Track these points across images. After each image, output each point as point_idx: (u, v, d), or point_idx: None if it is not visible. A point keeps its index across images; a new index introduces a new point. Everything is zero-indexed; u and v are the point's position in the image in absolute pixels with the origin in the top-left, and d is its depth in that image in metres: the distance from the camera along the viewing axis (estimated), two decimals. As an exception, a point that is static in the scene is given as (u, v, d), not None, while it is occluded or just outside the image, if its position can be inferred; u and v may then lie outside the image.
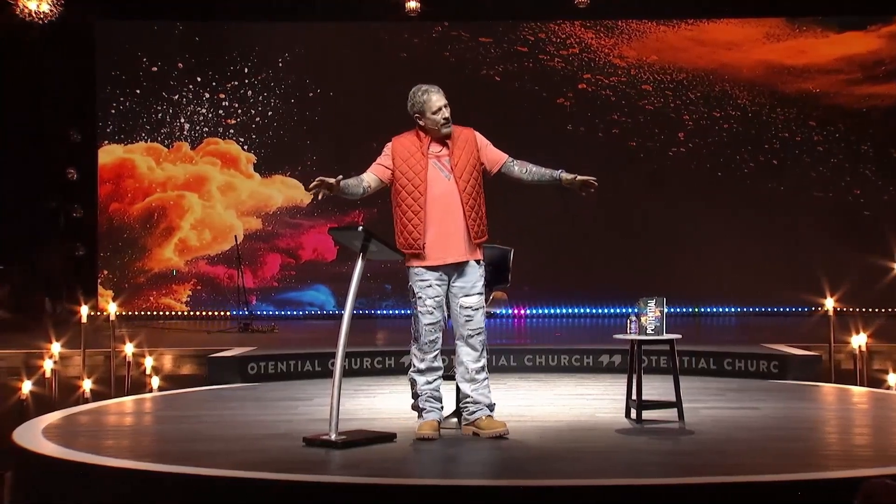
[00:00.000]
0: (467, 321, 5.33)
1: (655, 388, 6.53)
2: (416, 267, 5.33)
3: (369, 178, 5.51)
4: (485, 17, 13.34)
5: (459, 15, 13.29)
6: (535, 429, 5.67)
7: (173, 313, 13.22)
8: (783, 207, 13.18)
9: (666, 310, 5.87)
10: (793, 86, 13.37)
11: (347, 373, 7.94)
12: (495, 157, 5.57)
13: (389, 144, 5.52)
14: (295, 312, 13.25)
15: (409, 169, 5.40)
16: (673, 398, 5.89)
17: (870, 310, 11.35)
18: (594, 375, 8.14)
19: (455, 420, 5.73)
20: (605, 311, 13.02)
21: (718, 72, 13.40)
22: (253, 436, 5.49)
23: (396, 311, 13.06)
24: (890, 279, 8.71)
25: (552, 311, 13.12)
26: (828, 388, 7.48)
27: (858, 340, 8.05)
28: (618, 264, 12.68)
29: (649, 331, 5.86)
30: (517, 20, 13.43)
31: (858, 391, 7.38)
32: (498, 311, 6.07)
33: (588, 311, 13.15)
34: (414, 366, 5.41)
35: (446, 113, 5.40)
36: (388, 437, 5.26)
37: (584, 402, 6.74)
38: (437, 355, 5.41)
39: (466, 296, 5.33)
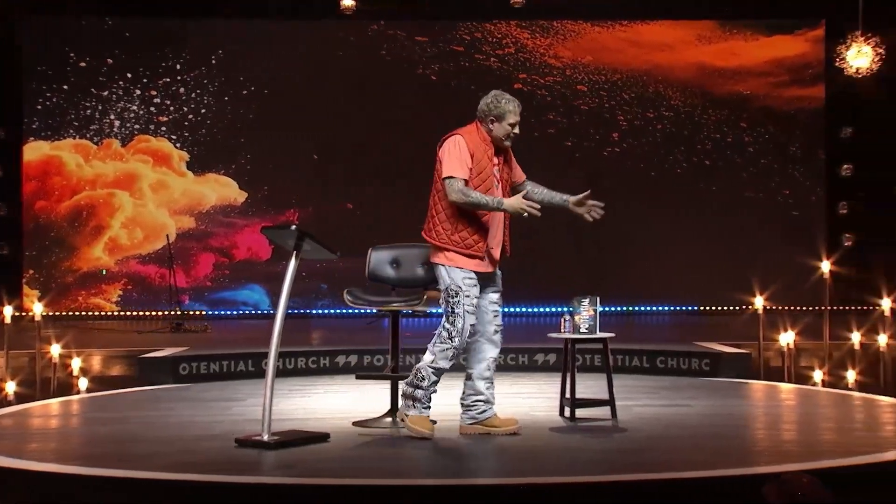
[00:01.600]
0: (495, 316, 5.44)
1: (589, 386, 6.59)
2: (467, 269, 5.28)
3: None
4: (421, 17, 13.32)
5: (395, 14, 13.25)
6: (470, 428, 5.66)
7: (103, 313, 12.96)
8: (715, 207, 13.37)
9: (599, 309, 5.91)
10: (724, 87, 13.58)
11: (282, 373, 7.85)
12: (519, 173, 5.63)
13: (463, 142, 5.32)
14: (229, 312, 13.09)
15: (482, 170, 5.33)
16: (606, 396, 5.94)
17: (798, 308, 11.57)
18: (529, 374, 8.18)
19: (388, 420, 5.71)
20: (541, 310, 13.08)
21: (652, 73, 13.56)
22: (184, 437, 5.40)
23: (332, 311, 12.98)
24: (817, 278, 8.89)
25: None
26: (757, 385, 7.61)
27: (786, 338, 8.21)
28: (553, 263, 12.75)
29: (583, 329, 5.90)
30: (453, 20, 13.44)
31: (786, 388, 7.53)
32: (431, 310, 6.05)
33: (524, 310, 13.20)
34: (436, 363, 5.29)
35: (517, 130, 5.41)
36: (322, 437, 5.22)
37: (520, 400, 6.76)
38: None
39: (494, 292, 5.45)
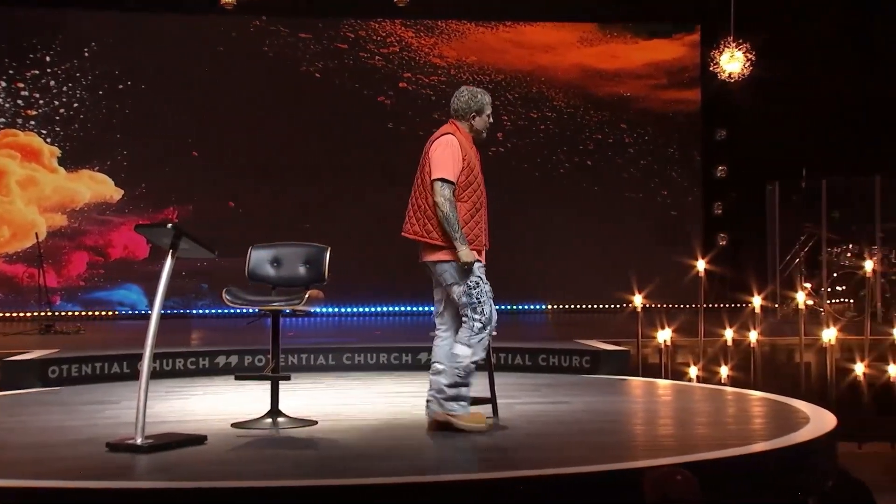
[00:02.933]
0: None
1: (473, 384, 6.59)
2: (476, 261, 5.30)
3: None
4: (303, 14, 13.17)
5: (278, 10, 13.07)
6: (353, 427, 5.63)
7: (-34, 315, 12.39)
8: (597, 207, 13.62)
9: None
10: (605, 89, 13.85)
11: (159, 374, 7.65)
12: None
13: (457, 142, 5.34)
14: (104, 312, 12.68)
15: (475, 166, 5.38)
16: (488, 394, 5.95)
17: (674, 306, 11.87)
18: (413, 373, 8.16)
19: (269, 421, 5.60)
20: (425, 308, 13.09)
21: (535, 73, 13.73)
22: (52, 443, 5.18)
23: (213, 311, 12.71)
24: (692, 276, 9.13)
25: (372, 309, 13.10)
26: (635, 381, 7.75)
27: (663, 335, 8.41)
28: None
29: (465, 327, 5.88)
30: (337, 17, 13.34)
31: (663, 384, 7.70)
32: (313, 309, 5.97)
33: (409, 308, 13.20)
34: (477, 356, 5.32)
35: (492, 119, 5.55)
36: (199, 439, 5.08)
37: (403, 399, 6.74)
38: None
39: None
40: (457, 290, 5.32)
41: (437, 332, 5.51)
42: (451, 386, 5.32)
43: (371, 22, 13.44)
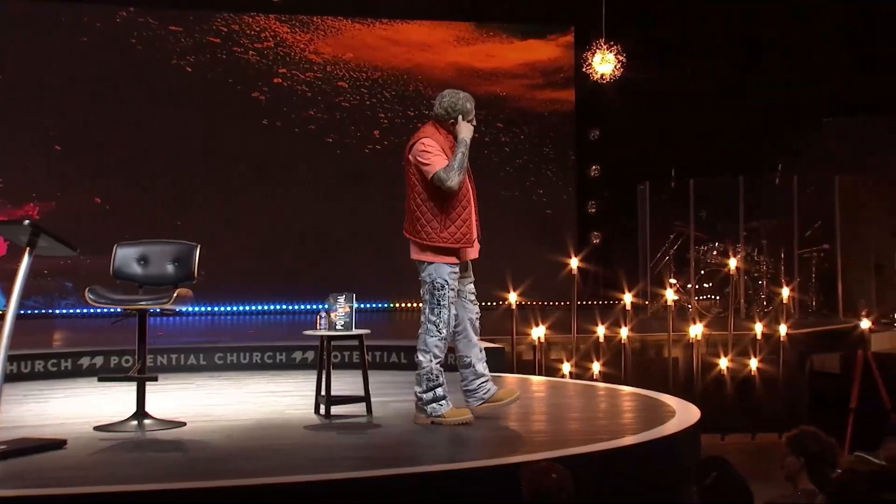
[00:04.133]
0: (474, 304, 5.69)
1: (347, 383, 6.53)
2: (451, 262, 5.49)
3: None
4: (174, 5, 12.83)
5: (146, 0, 12.68)
6: (224, 428, 5.51)
7: None
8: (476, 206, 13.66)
9: (356, 305, 5.88)
10: (481, 88, 13.88)
11: (16, 377, 7.33)
12: None
13: (433, 144, 5.54)
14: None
15: None
16: (362, 393, 5.90)
17: (548, 303, 12.03)
18: (287, 372, 8.05)
19: (134, 423, 5.41)
20: (301, 307, 12.93)
21: (412, 72, 13.71)
22: None
23: (77, 310, 12.23)
24: (566, 274, 9.27)
25: (245, 307, 12.86)
26: (510, 377, 7.81)
27: (537, 332, 8.51)
28: (312, 259, 12.62)
29: (338, 326, 5.84)
30: (209, 10, 13.04)
31: (537, 380, 7.79)
32: (182, 309, 5.80)
33: (283, 307, 13.00)
34: (436, 357, 5.45)
35: (475, 122, 5.72)
36: (57, 444, 4.87)
37: (275, 399, 6.63)
38: None
39: (471, 282, 5.72)
40: (424, 288, 5.49)
41: (456, 329, 5.62)
42: (425, 391, 5.46)
43: (245, 16, 13.19)
